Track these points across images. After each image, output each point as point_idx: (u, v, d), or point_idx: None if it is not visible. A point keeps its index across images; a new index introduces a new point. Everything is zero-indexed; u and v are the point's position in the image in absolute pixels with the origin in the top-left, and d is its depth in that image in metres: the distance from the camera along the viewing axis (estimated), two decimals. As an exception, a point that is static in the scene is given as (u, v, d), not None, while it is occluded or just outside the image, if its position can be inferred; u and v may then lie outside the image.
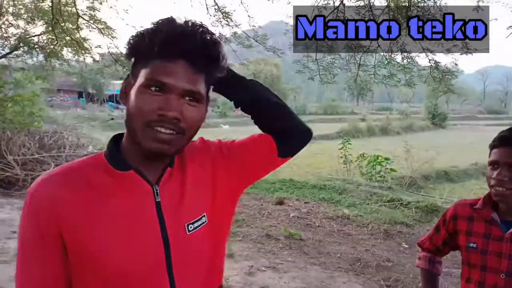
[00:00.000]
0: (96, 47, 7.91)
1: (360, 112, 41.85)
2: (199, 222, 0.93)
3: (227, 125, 28.66)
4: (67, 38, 7.22)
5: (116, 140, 0.93)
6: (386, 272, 4.24)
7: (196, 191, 0.96)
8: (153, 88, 0.82)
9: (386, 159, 9.13)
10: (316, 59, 5.09)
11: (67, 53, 9.07)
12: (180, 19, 0.85)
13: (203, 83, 0.87)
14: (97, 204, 0.85)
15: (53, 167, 6.73)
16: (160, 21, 0.85)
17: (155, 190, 0.89)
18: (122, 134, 0.93)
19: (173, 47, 0.82)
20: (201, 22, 0.85)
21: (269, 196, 7.41)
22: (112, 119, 26.20)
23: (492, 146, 1.38)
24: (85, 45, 7.75)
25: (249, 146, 1.08)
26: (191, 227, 0.91)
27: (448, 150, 14.72)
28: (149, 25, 0.86)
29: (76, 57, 9.16)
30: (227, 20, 6.23)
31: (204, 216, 0.95)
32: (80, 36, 7.51)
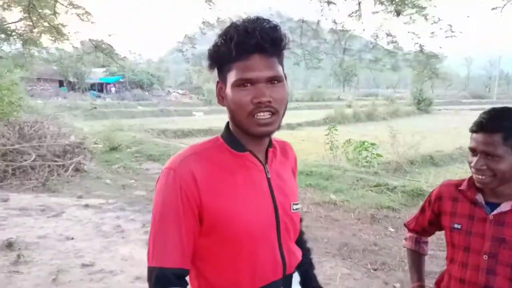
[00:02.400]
0: (75, 33, 7.65)
1: (346, 99, 41.98)
2: (297, 206, 1.19)
3: (201, 112, 28.47)
4: (45, 24, 6.98)
5: (227, 128, 1.13)
6: (373, 256, 4.26)
7: (292, 179, 1.23)
8: (242, 85, 1.00)
9: (372, 144, 9.17)
10: (301, 43, 5.03)
11: (46, 40, 8.81)
12: (238, 20, 1.01)
13: (277, 64, 1.03)
14: (226, 179, 1.06)
15: (34, 158, 6.58)
16: (227, 29, 1.01)
17: (266, 168, 1.12)
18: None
19: (245, 47, 0.98)
20: (256, 16, 1.01)
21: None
22: (95, 107, 25.78)
23: (471, 131, 1.35)
24: (64, 31, 7.51)
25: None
26: (294, 207, 1.17)
27: (433, 134, 14.87)
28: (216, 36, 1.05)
29: (55, 44, 8.91)
30: (209, 4, 6.11)
31: (299, 203, 1.22)
32: (58, 22, 7.27)
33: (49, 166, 7.31)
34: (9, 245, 4.11)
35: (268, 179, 1.11)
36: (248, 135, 1.06)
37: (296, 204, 1.18)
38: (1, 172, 6.80)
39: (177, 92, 44.50)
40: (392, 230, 5.11)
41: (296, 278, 1.21)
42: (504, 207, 1.34)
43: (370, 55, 5.05)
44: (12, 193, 6.25)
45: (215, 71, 1.09)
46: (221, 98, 1.08)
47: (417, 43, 4.41)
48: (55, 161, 7.51)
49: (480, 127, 1.31)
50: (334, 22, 4.80)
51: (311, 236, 4.82)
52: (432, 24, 4.43)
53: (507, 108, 1.35)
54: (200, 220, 1.04)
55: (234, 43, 0.97)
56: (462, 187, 1.45)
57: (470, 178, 1.44)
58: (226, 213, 1.03)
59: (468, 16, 3.83)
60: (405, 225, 1.75)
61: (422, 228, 1.64)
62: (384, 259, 4.17)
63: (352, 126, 19.08)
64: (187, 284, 1.06)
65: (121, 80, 43.44)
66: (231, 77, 1.01)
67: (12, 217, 5.07)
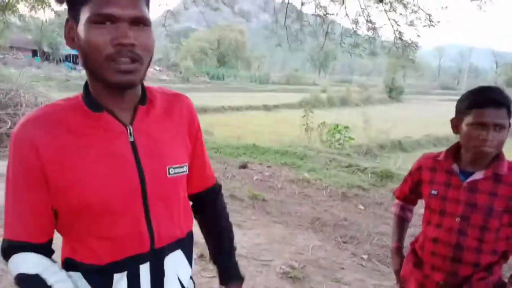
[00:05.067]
0: None
1: (321, 84, 42.41)
2: (181, 170, 1.02)
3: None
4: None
5: (87, 83, 0.97)
6: (343, 230, 4.54)
7: (177, 139, 1.04)
8: (100, 22, 0.83)
9: (345, 127, 9.50)
10: (285, 25, 5.16)
11: (23, 7, 8.53)
12: None
13: (145, 6, 0.88)
14: (75, 143, 0.91)
15: (10, 125, 6.50)
16: None
17: (129, 130, 0.95)
18: None
19: None
20: None
21: (233, 160, 7.56)
22: (68, 80, 25.09)
23: (475, 106, 1.44)
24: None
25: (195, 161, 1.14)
26: (172, 171, 1.00)
27: (403, 122, 15.37)
28: None
29: (33, 12, 8.64)
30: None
31: (185, 165, 1.05)
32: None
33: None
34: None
35: (132, 143, 0.95)
36: (104, 85, 0.89)
37: (177, 167, 1.01)
38: (-25, 138, 6.70)
39: (154, 69, 43.78)
40: (362, 207, 5.41)
41: (177, 254, 1.05)
42: (477, 175, 1.50)
43: (350, 40, 5.23)
44: (-13, 160, 6.19)
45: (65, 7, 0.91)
46: (71, 39, 0.89)
47: (397, 30, 4.63)
48: (30, 130, 7.42)
49: (490, 102, 1.41)
50: (319, 5, 4.95)
51: (286, 210, 5.07)
52: (411, 13, 4.64)
53: (495, 86, 1.52)
54: (50, 190, 0.91)
55: None
56: (439, 158, 1.61)
57: (448, 150, 1.60)
58: (74, 186, 0.90)
59: (446, 7, 4.02)
60: (393, 193, 1.93)
61: (404, 195, 1.82)
62: (353, 233, 4.46)
63: (326, 110, 19.45)
64: (45, 254, 0.97)
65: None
66: (86, 11, 0.83)
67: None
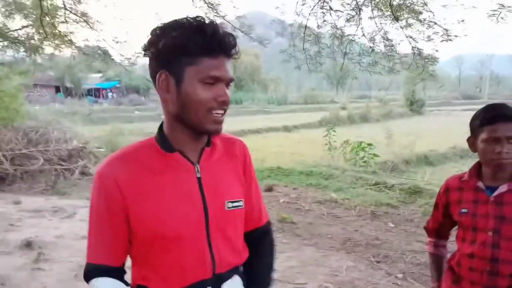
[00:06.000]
0: (84, 40, 7.80)
1: (340, 101, 42.34)
2: (237, 204, 1.16)
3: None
4: (55, 31, 7.15)
5: (161, 127, 1.13)
6: (375, 250, 4.48)
7: (234, 177, 1.19)
8: (207, 82, 1.01)
9: (369, 145, 9.43)
10: (304, 49, 5.25)
11: (48, 47, 8.93)
12: (202, 17, 1.02)
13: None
14: (151, 180, 1.06)
15: (42, 162, 6.75)
16: (198, 22, 1.00)
17: (196, 168, 1.11)
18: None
19: (216, 46, 1.00)
20: (212, 19, 1.04)
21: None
22: (90, 113, 25.82)
23: (486, 123, 1.52)
24: (71, 38, 7.67)
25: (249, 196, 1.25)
26: (230, 205, 1.14)
27: (427, 135, 15.16)
28: (171, 22, 1.03)
29: (57, 51, 9.03)
30: (213, 10, 6.30)
31: (241, 200, 1.18)
32: (62, 30, 7.44)
33: (55, 170, 7.48)
34: (28, 245, 4.29)
35: (199, 179, 1.10)
36: (197, 131, 1.07)
37: (234, 201, 1.14)
38: (10, 176, 6.96)
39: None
40: (392, 225, 5.34)
41: (234, 280, 1.17)
42: (502, 188, 1.55)
43: (369, 59, 5.28)
44: (22, 196, 6.41)
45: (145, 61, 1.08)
46: (165, 90, 1.04)
47: (415, 47, 4.66)
48: (62, 165, 7.69)
49: (501, 117, 1.50)
50: (335, 27, 5.04)
51: (316, 232, 5.05)
52: (427, 28, 4.67)
53: (503, 103, 1.59)
54: (129, 221, 1.06)
55: (208, 39, 0.98)
56: (465, 178, 1.67)
57: (471, 170, 1.65)
58: (150, 217, 1.04)
59: (463, 20, 4.05)
60: (424, 228, 1.92)
61: (439, 223, 1.81)
62: (386, 252, 4.40)
63: (347, 128, 19.37)
64: (119, 276, 1.10)
65: (117, 85, 43.50)
66: (195, 71, 1.00)
67: (26, 219, 5.24)
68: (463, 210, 1.63)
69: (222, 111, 1.05)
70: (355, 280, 3.72)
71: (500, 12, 3.72)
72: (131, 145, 1.14)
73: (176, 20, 1.03)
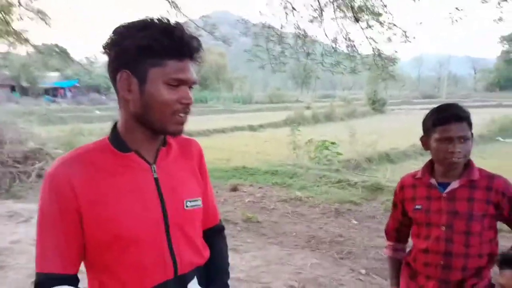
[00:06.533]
0: (40, 38, 7.52)
1: (305, 100, 42.85)
2: (196, 203, 1.16)
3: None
4: (9, 29, 6.83)
5: (115, 127, 1.11)
6: (339, 246, 4.56)
7: (191, 176, 1.20)
8: (172, 84, 1.01)
9: (333, 143, 9.59)
10: (267, 49, 5.28)
11: (2, 44, 8.53)
12: (168, 19, 1.02)
13: None
14: (106, 181, 1.03)
15: (-5, 164, 6.36)
16: (166, 25, 1.00)
17: (153, 168, 1.09)
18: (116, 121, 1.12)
19: (183, 49, 1.01)
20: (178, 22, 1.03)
21: (223, 183, 7.55)
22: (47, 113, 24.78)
23: (439, 124, 1.57)
24: (24, 35, 7.36)
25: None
26: (189, 204, 1.13)
27: (388, 133, 15.58)
28: (136, 22, 1.01)
29: (11, 49, 8.64)
30: (176, 9, 6.22)
31: (200, 199, 1.18)
32: (17, 27, 7.13)
33: (10, 172, 7.13)
34: (-19, 252, 4.07)
35: (156, 179, 1.08)
36: (158, 131, 1.07)
37: (193, 200, 1.14)
38: (-40, 180, 6.58)
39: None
40: (355, 222, 5.45)
41: (197, 280, 1.16)
42: (454, 185, 1.61)
43: (331, 59, 5.37)
44: (-26, 201, 6.08)
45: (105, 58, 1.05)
46: (127, 90, 1.03)
47: (376, 48, 4.79)
48: (17, 167, 7.34)
49: (451, 118, 1.55)
50: (298, 27, 5.09)
51: (281, 230, 5.08)
52: (387, 30, 4.81)
53: (455, 103, 1.65)
54: (82, 225, 1.02)
55: (183, 41, 1.00)
56: (418, 176, 1.72)
57: (424, 167, 1.71)
58: (107, 219, 1.01)
59: (421, 23, 4.20)
60: (385, 231, 1.95)
61: (399, 222, 1.84)
62: (350, 249, 4.49)
63: (312, 127, 19.63)
64: (73, 285, 1.04)
65: (76, 84, 42.07)
66: (160, 73, 1.00)
67: (-22, 225, 4.97)
68: (417, 207, 1.68)
69: (185, 113, 1.06)
70: (320, 277, 3.77)
71: (455, 19, 3.87)
72: (84, 146, 1.10)
73: (142, 20, 1.02)
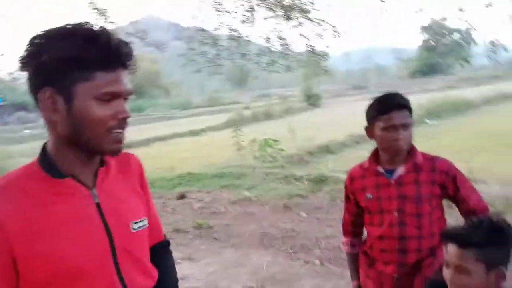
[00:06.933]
0: None
1: (243, 101, 43.08)
2: (142, 223, 1.06)
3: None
4: None
5: (44, 149, 0.98)
6: (292, 241, 4.64)
7: (134, 196, 1.10)
8: (104, 99, 0.90)
9: (275, 141, 9.74)
10: (202, 52, 5.24)
11: None
12: (91, 24, 0.91)
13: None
14: (41, 213, 0.90)
15: None
16: (86, 31, 0.89)
17: (93, 192, 0.98)
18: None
19: (112, 58, 0.90)
20: (104, 27, 0.93)
21: (169, 192, 7.39)
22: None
23: (382, 113, 1.63)
24: None
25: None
26: (135, 226, 1.04)
27: (326, 126, 16.10)
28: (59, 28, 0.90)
29: None
30: (102, 16, 5.98)
31: (145, 219, 1.09)
32: None
33: None
34: None
35: (97, 204, 0.97)
36: (93, 152, 0.97)
37: (139, 221, 1.05)
38: None
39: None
40: (305, 215, 5.57)
41: None
42: (400, 170, 1.68)
43: (267, 58, 5.45)
44: None
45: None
46: (52, 110, 0.90)
47: (308, 45, 4.93)
48: None
49: (393, 107, 1.61)
50: (231, 29, 5.11)
51: (234, 233, 5.07)
52: (317, 26, 4.97)
53: (395, 92, 1.72)
54: (16, 269, 0.88)
55: (109, 49, 0.88)
56: (365, 166, 1.78)
57: (370, 157, 1.77)
58: (46, 255, 0.88)
59: (348, 18, 4.45)
60: (342, 226, 1.97)
61: (354, 214, 1.87)
62: (302, 242, 4.58)
63: (252, 126, 19.72)
64: None
65: (0, 103, 39.03)
66: (89, 88, 0.88)
67: None
68: (368, 196, 1.73)
69: (122, 129, 0.95)
70: (277, 274, 3.82)
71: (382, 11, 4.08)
72: (9, 173, 0.96)
73: (61, 28, 0.89)
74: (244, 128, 10.76)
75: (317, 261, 4.06)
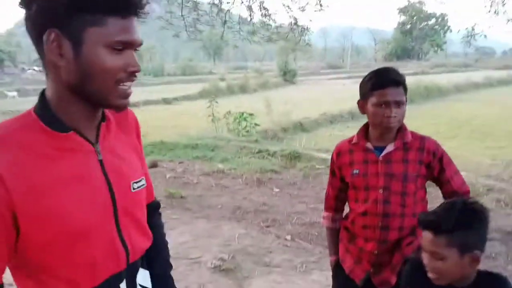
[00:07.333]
0: None
1: (218, 72, 42.47)
2: (141, 183, 1.03)
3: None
4: None
5: (43, 99, 0.90)
6: (264, 215, 4.65)
7: (133, 154, 1.06)
8: (115, 47, 0.84)
9: (251, 115, 9.67)
10: (182, 15, 5.02)
11: None
12: None
13: None
14: (43, 168, 0.84)
15: None
16: None
17: (96, 148, 0.93)
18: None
19: (127, 3, 0.83)
20: None
21: (140, 160, 7.24)
22: None
23: (376, 88, 1.59)
24: None
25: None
26: (135, 186, 1.01)
27: (300, 103, 16.13)
28: None
29: None
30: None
31: (143, 179, 1.06)
32: None
33: None
34: None
35: (100, 161, 0.93)
36: (99, 105, 0.91)
37: (138, 181, 1.02)
38: None
39: (34, 69, 39.62)
40: (277, 190, 5.59)
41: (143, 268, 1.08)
42: (389, 148, 1.66)
43: (248, 28, 5.29)
44: None
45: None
46: (58, 54, 0.82)
47: (292, 16, 4.80)
48: None
49: (389, 82, 1.58)
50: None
51: (206, 204, 5.03)
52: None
53: (392, 68, 1.69)
54: (17, 226, 0.82)
55: None
56: (354, 141, 1.74)
57: (359, 132, 1.74)
58: (52, 215, 0.83)
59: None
60: (325, 200, 1.93)
61: (338, 189, 1.84)
62: (274, 216, 4.60)
63: (227, 98, 19.55)
64: None
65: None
66: (100, 34, 0.81)
67: None
68: (355, 171, 1.71)
69: (130, 83, 0.89)
70: (248, 247, 3.82)
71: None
72: (2, 124, 0.87)
73: None
74: (219, 100, 10.61)
75: (288, 236, 4.08)
